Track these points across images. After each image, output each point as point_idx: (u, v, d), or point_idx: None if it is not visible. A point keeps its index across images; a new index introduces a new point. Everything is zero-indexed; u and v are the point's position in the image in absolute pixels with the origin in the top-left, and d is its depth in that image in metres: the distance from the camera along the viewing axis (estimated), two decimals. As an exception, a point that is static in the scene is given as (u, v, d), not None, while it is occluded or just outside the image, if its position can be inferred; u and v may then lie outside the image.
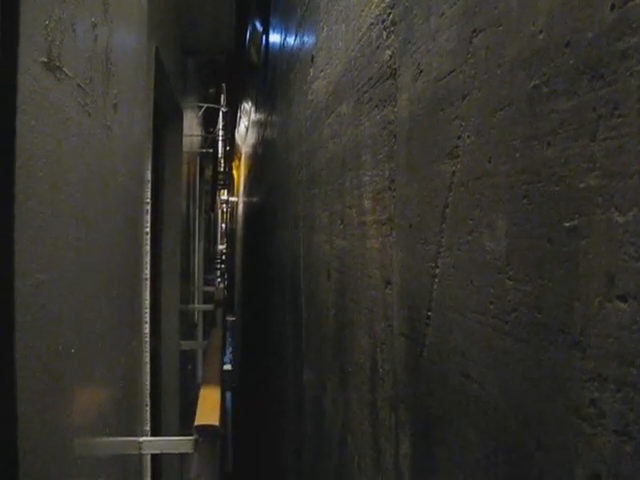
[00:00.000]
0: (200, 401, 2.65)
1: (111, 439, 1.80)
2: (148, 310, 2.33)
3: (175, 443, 2.39)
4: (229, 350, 16.49)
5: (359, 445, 1.91)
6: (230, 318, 16.13)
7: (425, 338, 1.34)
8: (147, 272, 2.33)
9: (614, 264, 0.73)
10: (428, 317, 1.32)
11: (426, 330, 1.33)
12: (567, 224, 0.82)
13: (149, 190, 2.40)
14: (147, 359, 2.31)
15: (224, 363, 13.55)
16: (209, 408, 2.53)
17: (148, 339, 2.34)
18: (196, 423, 2.35)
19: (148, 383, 2.34)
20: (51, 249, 1.10)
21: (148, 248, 2.35)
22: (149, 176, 2.37)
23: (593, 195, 0.77)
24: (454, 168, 1.20)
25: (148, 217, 2.33)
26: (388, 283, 1.61)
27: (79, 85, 1.19)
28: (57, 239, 1.13)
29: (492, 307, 1.03)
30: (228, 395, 14.13)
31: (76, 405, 1.43)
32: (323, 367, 2.58)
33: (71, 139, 1.16)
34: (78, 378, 1.42)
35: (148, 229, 2.32)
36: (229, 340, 16.79)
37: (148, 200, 2.36)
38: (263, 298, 6.02)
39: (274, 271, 4.90)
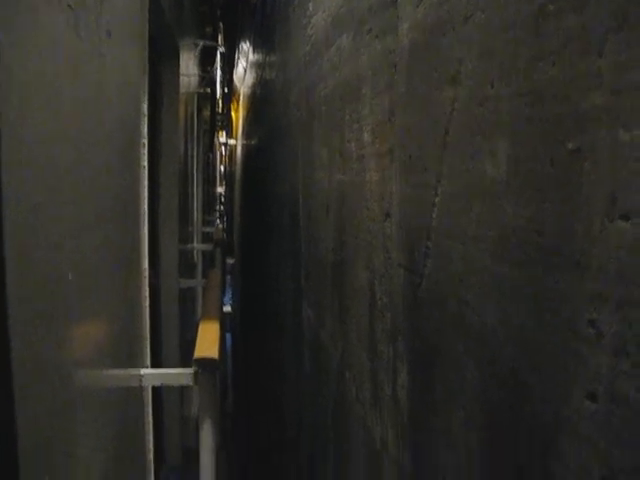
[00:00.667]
0: (199, 335, 2.66)
1: (111, 371, 1.81)
2: (147, 245, 2.32)
3: (175, 375, 2.41)
4: (229, 293, 16.61)
5: (357, 378, 1.92)
6: (230, 261, 16.20)
7: (424, 269, 1.33)
8: (145, 207, 2.31)
9: (617, 183, 0.71)
10: (427, 247, 1.31)
11: (425, 260, 1.33)
12: (570, 145, 0.81)
13: (145, 125, 2.36)
14: (146, 293, 2.31)
15: (224, 304, 13.68)
16: (208, 342, 2.54)
17: (147, 273, 2.34)
18: (195, 356, 2.36)
19: (147, 317, 2.35)
20: (46, 173, 1.08)
21: (146, 183, 2.33)
22: (145, 110, 2.33)
23: (598, 113, 0.75)
24: (455, 94, 1.18)
25: (145, 151, 2.29)
26: (387, 215, 1.60)
27: (69, 6, 1.16)
28: (51, 164, 1.11)
29: (491, 233, 1.02)
30: (228, 336, 14.30)
31: (74, 337, 1.43)
32: (322, 302, 2.59)
33: (61, 60, 1.13)
34: (76, 309, 1.42)
35: (145, 164, 2.30)
36: (229, 282, 16.90)
37: (145, 135, 2.33)
38: (262, 239, 6.03)
39: (273, 211, 4.89)
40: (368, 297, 1.79)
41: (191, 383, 2.35)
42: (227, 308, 15.22)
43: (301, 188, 3.21)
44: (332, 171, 2.32)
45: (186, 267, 5.22)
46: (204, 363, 2.32)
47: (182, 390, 4.55)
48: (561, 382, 0.81)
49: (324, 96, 2.51)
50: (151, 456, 2.43)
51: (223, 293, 13.23)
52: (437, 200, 1.26)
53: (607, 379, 0.72)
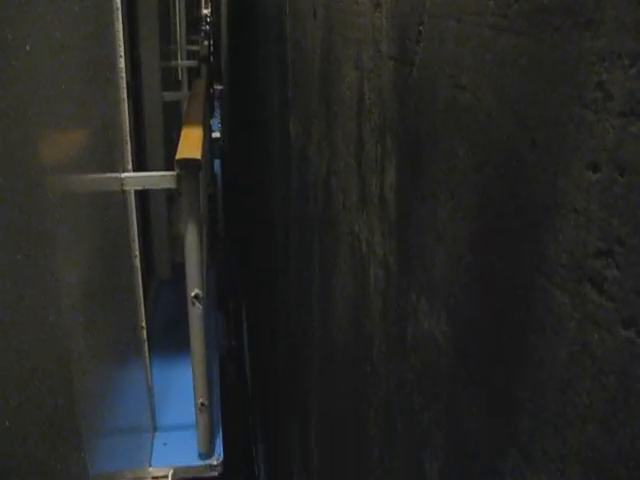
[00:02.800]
0: (182, 139, 2.58)
1: (91, 176, 1.77)
2: (122, 44, 2.19)
3: (157, 178, 2.37)
4: (217, 119, 16.35)
5: (344, 184, 1.88)
6: (218, 87, 15.80)
7: (415, 56, 1.24)
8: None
9: None
10: (419, 32, 1.21)
11: (417, 47, 1.23)
12: None
13: None
14: (124, 95, 2.21)
15: (212, 130, 13.51)
16: (191, 144, 2.47)
17: (125, 83, 2.23)
18: (177, 157, 2.29)
19: (127, 122, 2.27)
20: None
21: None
22: None
23: None
24: None
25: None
26: (377, 6, 1.48)
27: None
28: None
29: (491, 3, 0.92)
30: (217, 163, 14.25)
31: (48, 142, 1.36)
32: (309, 114, 2.50)
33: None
34: (47, 114, 1.34)
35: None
36: (217, 109, 16.60)
37: None
38: (249, 59, 5.80)
39: (259, 25, 4.66)
40: (356, 98, 1.70)
41: (174, 185, 2.31)
42: (216, 134, 15.03)
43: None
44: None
45: (171, 83, 5.08)
46: (186, 164, 2.27)
47: (170, 208, 4.55)
48: (561, 155, 0.75)
49: None
50: (137, 262, 2.44)
51: (211, 114, 13.03)
52: (432, -25, 1.14)
53: (613, 145, 0.66)
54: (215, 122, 15.95)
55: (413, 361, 1.31)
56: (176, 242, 4.43)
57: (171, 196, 4.31)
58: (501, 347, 0.92)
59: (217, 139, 14.87)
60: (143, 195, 4.35)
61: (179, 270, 2.62)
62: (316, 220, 2.39)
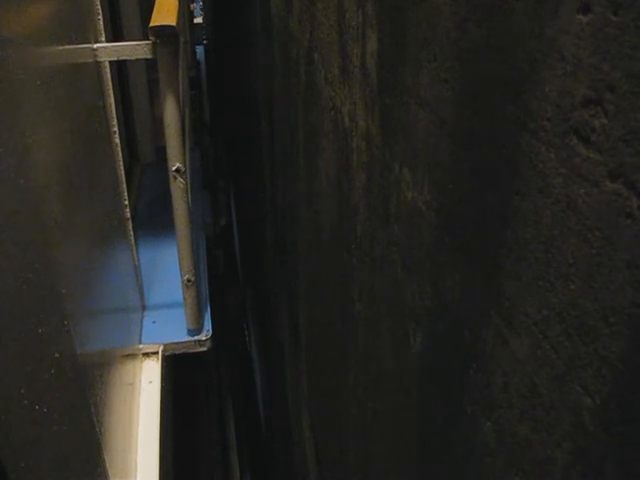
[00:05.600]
0: (156, 6, 2.45)
1: (60, 47, 1.69)
2: None
3: (132, 48, 2.26)
4: (199, 2, 15.74)
5: (326, 57, 1.80)
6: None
7: None
8: None
9: None
10: None
11: None
12: None
13: None
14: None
15: (194, 15, 13.00)
16: (166, 11, 2.34)
17: None
18: (151, 24, 2.18)
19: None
20: None
21: None
22: None
23: None
24: None
25: None
26: None
27: None
28: None
29: None
30: (200, 50, 13.81)
31: (8, 12, 1.28)
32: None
33: None
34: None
35: None
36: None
37: None
38: None
39: None
40: (336, -37, 1.60)
41: (149, 55, 2.22)
42: (198, 19, 14.51)
43: None
44: None
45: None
46: (162, 31, 2.16)
47: (151, 92, 4.43)
48: (548, 0, 0.70)
49: None
50: (117, 139, 2.38)
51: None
52: None
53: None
54: (197, 7, 15.37)
55: (396, 233, 1.28)
56: (160, 126, 4.36)
57: (153, 80, 4.19)
58: (484, 211, 0.89)
59: (200, 25, 14.37)
60: (123, 78, 4.22)
61: (164, 154, 2.55)
62: (299, 97, 2.32)
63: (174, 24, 2.24)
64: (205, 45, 14.01)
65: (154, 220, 3.85)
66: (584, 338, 0.68)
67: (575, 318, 0.70)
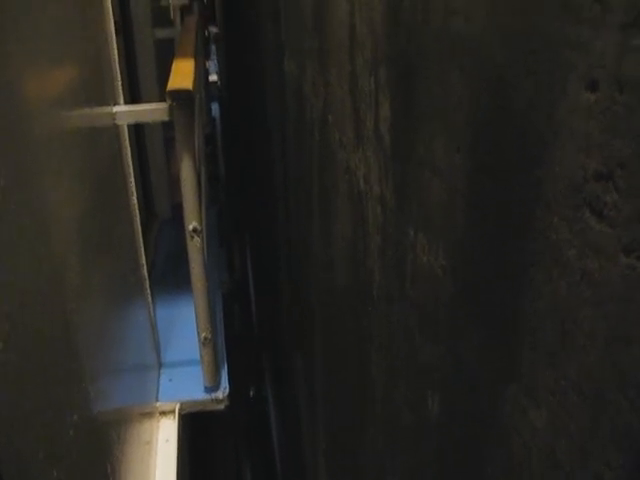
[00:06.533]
0: (173, 70, 2.52)
1: (80, 110, 1.74)
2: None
3: (149, 111, 2.32)
4: (214, 60, 16.08)
5: (340, 121, 1.83)
6: (213, 29, 15.49)
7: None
8: None
9: None
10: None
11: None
12: None
13: None
14: (112, 29, 2.16)
15: (209, 73, 13.27)
16: (182, 75, 2.41)
17: (110, 10, 2.17)
18: (168, 88, 2.24)
19: (116, 55, 2.22)
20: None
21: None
22: None
23: None
24: None
25: None
26: None
27: None
28: None
29: None
30: (215, 106, 14.06)
31: (33, 78, 1.33)
32: (303, 51, 2.43)
33: None
34: (32, 50, 1.30)
35: None
36: (214, 52, 16.31)
37: None
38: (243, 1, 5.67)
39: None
40: (348, 32, 1.64)
41: (166, 117, 2.27)
42: (213, 77, 14.81)
43: None
44: None
45: (163, 21, 5.01)
46: (178, 95, 2.21)
47: (168, 150, 4.51)
48: (557, 78, 0.72)
49: None
50: (134, 199, 2.42)
51: (207, 55, 12.77)
52: None
53: (611, 61, 0.63)
54: (212, 65, 15.71)
55: (413, 297, 1.29)
56: (176, 183, 4.43)
57: (169, 138, 4.28)
58: (500, 279, 0.89)
59: (215, 82, 14.66)
60: (140, 136, 4.30)
61: (180, 210, 2.59)
62: (314, 157, 2.35)
63: (190, 88, 2.30)
64: (220, 101, 14.26)
65: (171, 277, 3.87)
66: (603, 411, 0.68)
67: (593, 391, 0.70)
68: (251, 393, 7.52)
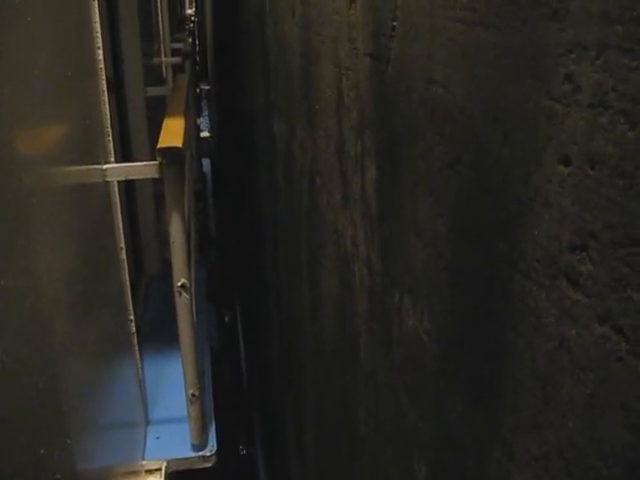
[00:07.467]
0: (163, 128, 2.56)
1: (71, 167, 1.77)
2: (99, 36, 2.18)
3: (139, 168, 2.35)
4: (206, 116, 16.29)
5: (327, 182, 1.87)
6: (205, 87, 15.75)
7: (390, 52, 1.22)
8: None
9: None
10: (393, 28, 1.20)
11: (391, 43, 1.21)
12: None
13: None
14: (104, 87, 2.20)
15: (201, 130, 13.41)
16: (172, 134, 2.45)
17: (103, 67, 2.22)
18: (159, 146, 2.27)
19: (107, 113, 2.26)
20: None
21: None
22: None
23: None
24: None
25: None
26: (352, 2, 1.46)
27: None
28: None
29: (461, -3, 0.91)
30: (207, 162, 14.18)
31: (24, 135, 1.35)
32: (291, 113, 2.48)
33: None
34: (23, 107, 1.32)
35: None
36: (205, 107, 16.54)
37: None
38: (234, 61, 5.78)
39: (242, 26, 4.64)
40: (335, 96, 1.69)
41: (156, 175, 2.30)
42: (205, 133, 14.98)
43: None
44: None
45: (155, 79, 5.09)
46: (168, 153, 2.25)
47: (158, 203, 4.54)
48: (533, 149, 0.74)
49: None
50: (123, 255, 2.43)
51: (198, 113, 12.89)
52: (403, -31, 1.13)
53: (583, 138, 0.65)
54: (204, 122, 15.90)
55: (399, 360, 1.30)
56: (166, 239, 4.43)
57: (159, 193, 4.32)
58: (482, 344, 0.91)
59: (206, 138, 14.82)
60: (130, 193, 4.33)
61: (169, 266, 2.59)
62: (303, 218, 2.38)
63: (180, 145, 2.33)
64: (211, 157, 14.38)
65: (159, 332, 3.84)
66: (585, 477, 0.69)
67: (575, 456, 0.70)
68: (240, 451, 7.40)
